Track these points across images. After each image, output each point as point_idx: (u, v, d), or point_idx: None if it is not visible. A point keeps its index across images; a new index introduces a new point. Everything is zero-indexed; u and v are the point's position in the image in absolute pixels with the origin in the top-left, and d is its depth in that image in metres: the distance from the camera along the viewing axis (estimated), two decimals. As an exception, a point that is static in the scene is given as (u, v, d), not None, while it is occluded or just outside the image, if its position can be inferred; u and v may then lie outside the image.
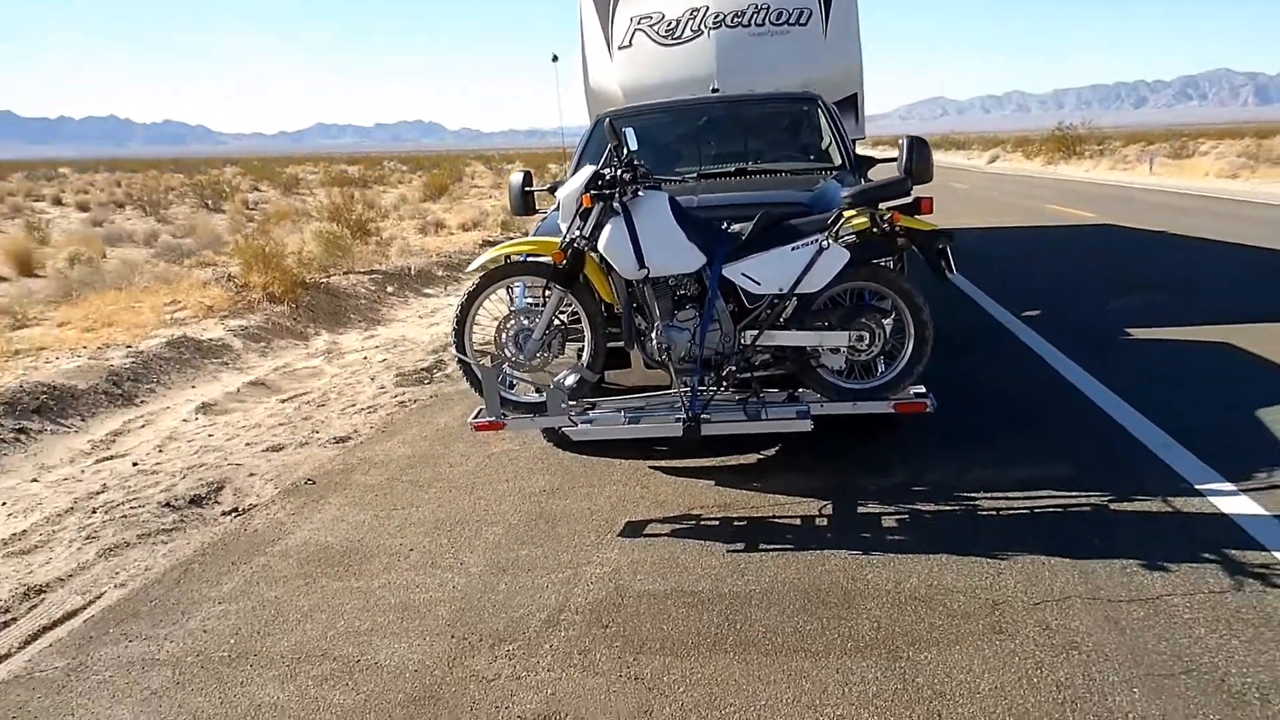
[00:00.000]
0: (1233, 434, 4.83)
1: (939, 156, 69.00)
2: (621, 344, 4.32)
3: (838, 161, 5.94)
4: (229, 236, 17.53)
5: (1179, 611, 3.10)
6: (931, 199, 4.29)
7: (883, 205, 4.08)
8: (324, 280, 11.57)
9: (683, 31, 8.07)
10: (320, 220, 15.80)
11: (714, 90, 7.16)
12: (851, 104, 8.42)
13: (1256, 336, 6.83)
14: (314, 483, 5.18)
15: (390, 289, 12.37)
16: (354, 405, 6.97)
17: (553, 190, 6.28)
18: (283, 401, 7.26)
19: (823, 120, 6.32)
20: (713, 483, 4.67)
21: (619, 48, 8.27)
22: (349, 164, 61.76)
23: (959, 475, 4.50)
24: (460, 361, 4.32)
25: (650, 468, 4.93)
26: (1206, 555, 3.47)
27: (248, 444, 6.13)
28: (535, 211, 6.31)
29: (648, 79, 8.03)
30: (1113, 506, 4.01)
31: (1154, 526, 3.80)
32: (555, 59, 7.24)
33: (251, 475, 5.48)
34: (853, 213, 4.02)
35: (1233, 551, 3.49)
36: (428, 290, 12.99)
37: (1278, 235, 12.68)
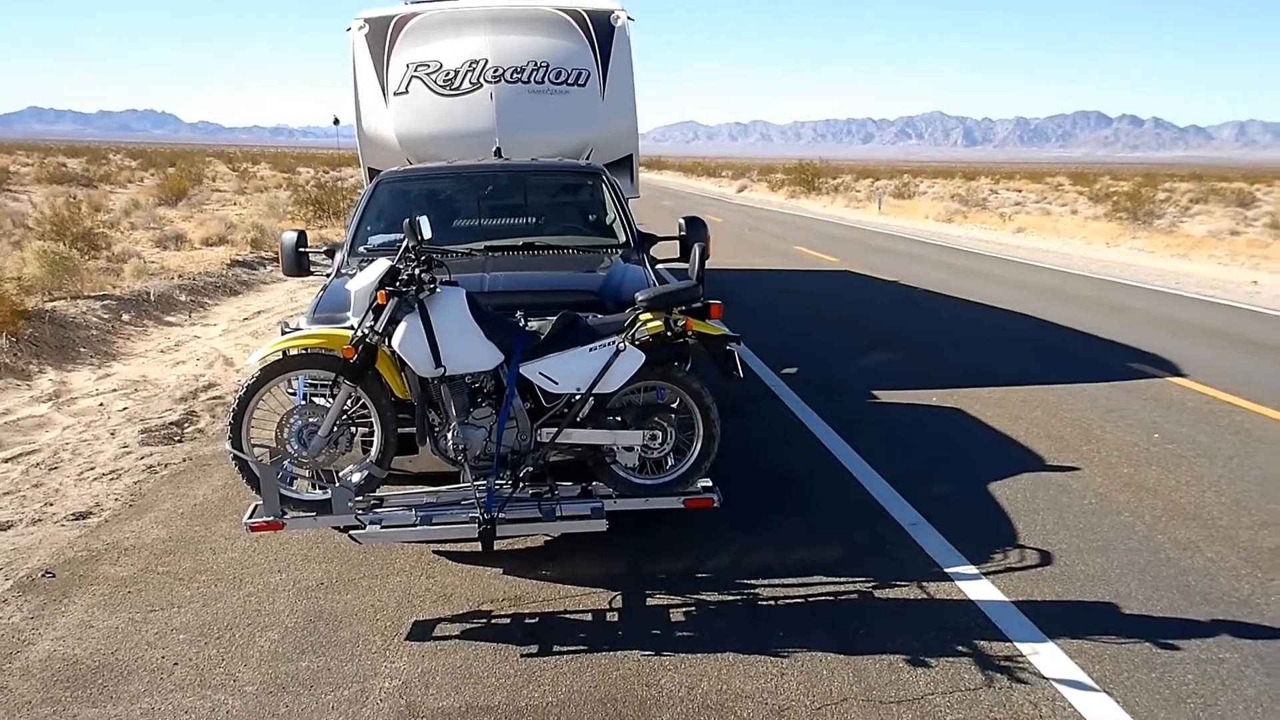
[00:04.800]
0: (969, 509, 5.36)
1: (691, 182, 72.21)
2: (410, 430, 4.20)
3: (621, 238, 6.08)
4: (-75, 244, 15.45)
5: (941, 713, 3.40)
6: (721, 304, 4.48)
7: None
8: (48, 308, 10.44)
9: (461, 83, 7.96)
10: (41, 235, 14.27)
11: (496, 150, 7.11)
12: (627, 164, 8.64)
13: (979, 400, 7.63)
14: (53, 575, 4.66)
15: (126, 317, 11.35)
16: (93, 469, 6.34)
17: (330, 254, 6.02)
18: (6, 461, 6.49)
19: (607, 195, 6.45)
20: (501, 570, 4.62)
21: (395, 94, 8.04)
22: (68, 155, 55.81)
23: (739, 559, 4.72)
24: (235, 458, 4.04)
25: (435, 553, 4.82)
26: (960, 648, 3.83)
27: (-33, 520, 5.44)
28: (309, 272, 6.02)
29: (425, 129, 7.85)
30: (876, 594, 4.34)
31: (912, 616, 4.14)
32: (337, 122, 6.94)
33: (-24, 563, 4.85)
34: (648, 316, 4.13)
35: (981, 643, 3.87)
36: (170, 318, 12.02)
37: (987, 288, 14.20)
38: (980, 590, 4.34)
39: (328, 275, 5.71)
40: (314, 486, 4.25)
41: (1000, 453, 6.39)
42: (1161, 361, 9.12)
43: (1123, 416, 7.22)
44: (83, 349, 9.90)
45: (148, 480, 6.09)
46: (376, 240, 5.77)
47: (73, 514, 5.53)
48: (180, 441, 6.94)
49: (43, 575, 4.67)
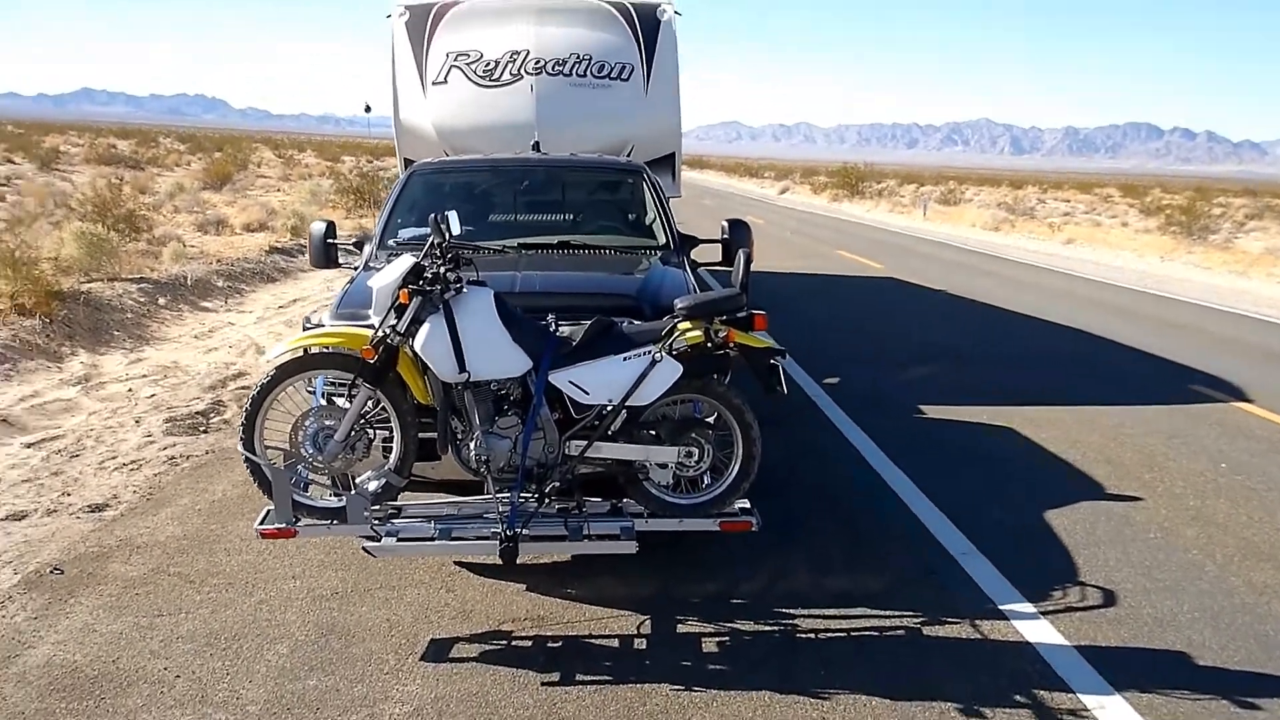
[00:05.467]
0: (1024, 539, 5.02)
1: (734, 182, 71.63)
2: (431, 435, 3.97)
3: (661, 240, 5.80)
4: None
5: (998, 772, 3.10)
6: (765, 314, 4.20)
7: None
8: (84, 290, 10.38)
9: (502, 74, 7.73)
10: (83, 216, 14.27)
11: (535, 144, 6.87)
12: (669, 163, 8.36)
13: (1032, 420, 7.26)
14: (61, 572, 4.49)
15: (162, 301, 11.28)
16: (115, 457, 6.19)
17: (359, 245, 5.82)
18: (29, 446, 6.37)
19: (647, 194, 6.17)
20: (524, 587, 4.38)
21: (433, 83, 7.83)
22: (119, 137, 56.54)
23: (774, 584, 4.44)
24: (248, 461, 3.83)
25: (456, 564, 4.59)
26: (1018, 697, 3.52)
27: (-17, 507, 5.29)
28: (337, 265, 5.81)
29: (463, 120, 7.63)
30: (925, 630, 4.04)
31: (964, 656, 3.84)
32: (368, 109, 6.75)
33: (-14, 555, 4.70)
34: (687, 325, 3.86)
35: (1041, 693, 3.55)
36: (205, 304, 11.96)
37: (1037, 300, 13.75)
38: (1039, 631, 4.02)
39: (355, 268, 5.50)
40: (331, 493, 4.04)
41: (1056, 478, 6.04)
42: (1225, 385, 8.69)
43: (1186, 443, 6.83)
44: (116, 332, 9.83)
45: (168, 473, 5.93)
46: (407, 234, 5.56)
47: (89, 505, 5.38)
48: (205, 432, 6.78)
49: (51, 571, 4.50)
